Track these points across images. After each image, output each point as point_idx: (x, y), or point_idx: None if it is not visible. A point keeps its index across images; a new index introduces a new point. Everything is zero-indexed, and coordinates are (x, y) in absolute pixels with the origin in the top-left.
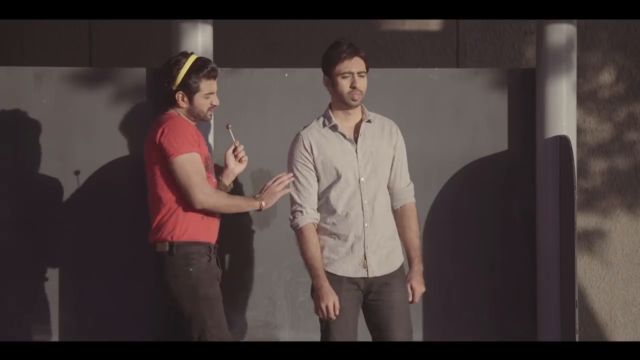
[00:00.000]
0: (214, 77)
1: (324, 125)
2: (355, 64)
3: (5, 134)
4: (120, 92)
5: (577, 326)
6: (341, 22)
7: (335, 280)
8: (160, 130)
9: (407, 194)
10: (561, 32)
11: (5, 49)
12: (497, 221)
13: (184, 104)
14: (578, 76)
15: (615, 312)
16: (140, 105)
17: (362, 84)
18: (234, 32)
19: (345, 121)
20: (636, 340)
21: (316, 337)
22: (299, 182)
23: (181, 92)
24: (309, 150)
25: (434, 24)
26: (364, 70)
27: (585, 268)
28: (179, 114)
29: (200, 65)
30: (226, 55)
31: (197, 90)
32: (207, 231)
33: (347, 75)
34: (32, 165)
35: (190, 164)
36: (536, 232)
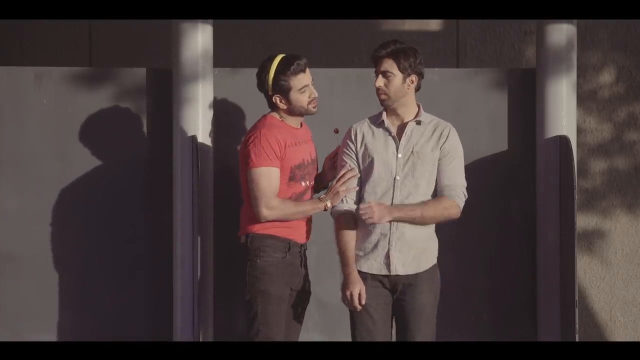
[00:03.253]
0: (303, 71)
1: (376, 120)
2: (381, 63)
3: (5, 134)
4: (120, 92)
5: (577, 326)
6: (341, 22)
7: (361, 277)
8: (249, 137)
9: (447, 191)
10: (561, 32)
11: (5, 49)
12: (497, 221)
13: (282, 105)
14: (578, 76)
15: (615, 312)
16: (140, 105)
17: (381, 83)
18: (234, 32)
19: (396, 119)
20: (636, 340)
21: (316, 337)
22: (345, 169)
23: (277, 95)
24: (354, 141)
25: (434, 24)
26: (388, 70)
27: (585, 268)
28: (279, 116)
29: (285, 64)
30: (226, 55)
31: (289, 87)
32: (288, 228)
33: (376, 74)
34: (32, 165)
35: (262, 178)
36: (536, 232)
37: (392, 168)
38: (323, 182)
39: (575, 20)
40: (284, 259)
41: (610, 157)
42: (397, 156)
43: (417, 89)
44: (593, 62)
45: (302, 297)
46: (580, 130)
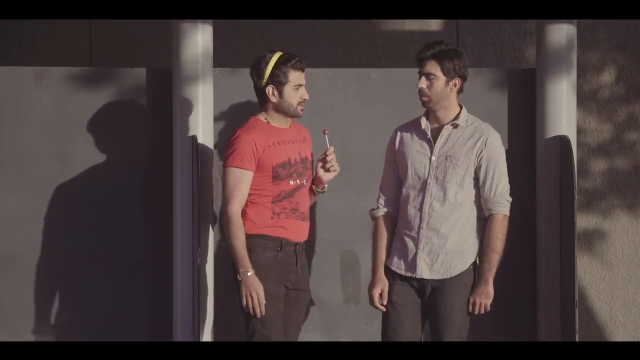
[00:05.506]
0: (302, 70)
1: (416, 122)
2: (424, 65)
3: (5, 134)
4: (120, 92)
5: (577, 326)
6: (341, 22)
7: (389, 274)
8: (228, 138)
9: (493, 205)
10: (561, 32)
11: (5, 49)
12: None
13: (274, 98)
14: (578, 76)
15: (615, 312)
16: (140, 105)
17: (423, 84)
18: (234, 32)
19: (436, 122)
20: (636, 340)
21: (316, 337)
22: (385, 172)
23: (271, 86)
24: (394, 143)
25: (434, 24)
26: (432, 72)
27: (585, 268)
28: (264, 118)
29: (288, 57)
30: (226, 55)
31: (286, 81)
32: (280, 228)
33: (419, 75)
34: (32, 165)
35: (230, 178)
36: (536, 232)
37: (425, 171)
38: (317, 185)
39: (575, 20)
40: (275, 257)
41: (610, 157)
42: (430, 159)
43: (460, 91)
44: (593, 62)
45: (299, 296)
46: (580, 130)
